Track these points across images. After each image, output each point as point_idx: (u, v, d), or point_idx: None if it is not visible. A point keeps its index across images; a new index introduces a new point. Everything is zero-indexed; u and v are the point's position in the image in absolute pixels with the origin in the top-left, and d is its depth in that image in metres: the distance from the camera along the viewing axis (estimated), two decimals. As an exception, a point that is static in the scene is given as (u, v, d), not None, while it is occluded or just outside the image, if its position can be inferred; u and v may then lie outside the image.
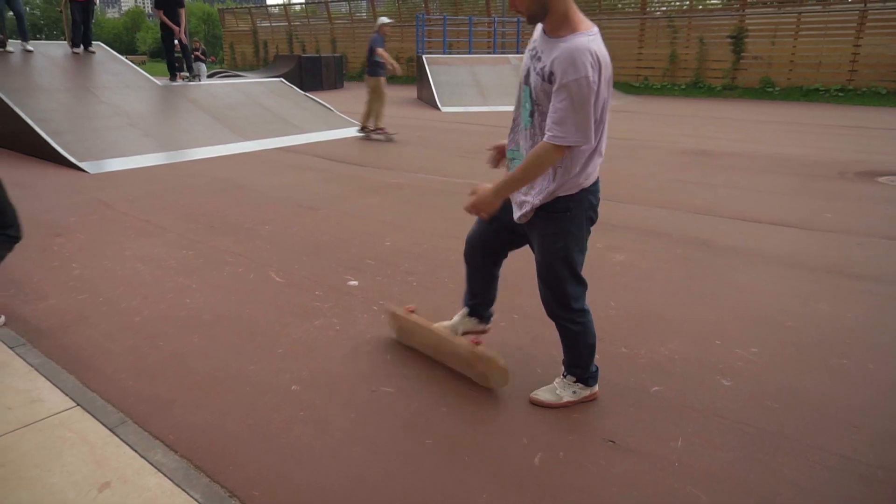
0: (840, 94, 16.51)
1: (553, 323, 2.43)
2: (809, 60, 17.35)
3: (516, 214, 2.29)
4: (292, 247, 4.43)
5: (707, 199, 5.82)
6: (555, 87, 1.96)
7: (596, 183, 2.23)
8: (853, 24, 16.62)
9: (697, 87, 18.94)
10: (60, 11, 10.20)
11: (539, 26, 2.09)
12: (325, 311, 3.32)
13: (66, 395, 2.50)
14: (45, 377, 2.63)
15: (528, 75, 2.12)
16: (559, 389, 2.48)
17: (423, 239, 4.57)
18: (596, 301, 3.45)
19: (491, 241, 2.53)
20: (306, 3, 32.53)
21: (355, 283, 3.72)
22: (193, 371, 2.72)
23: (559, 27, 2.00)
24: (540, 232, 2.25)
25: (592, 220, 2.30)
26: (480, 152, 8.53)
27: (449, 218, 5.17)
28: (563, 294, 2.32)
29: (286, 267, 3.99)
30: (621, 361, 2.81)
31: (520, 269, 3.94)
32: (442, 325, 2.77)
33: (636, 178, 6.80)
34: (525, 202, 2.24)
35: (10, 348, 2.89)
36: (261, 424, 2.33)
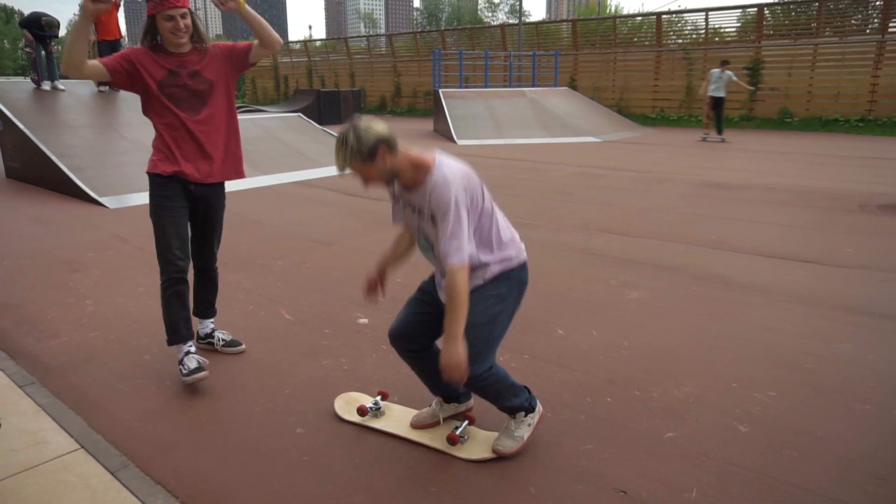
0: (860, 124, 16.36)
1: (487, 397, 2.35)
2: (828, 91, 17.25)
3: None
4: (304, 283, 4.43)
5: (724, 233, 5.74)
6: (437, 220, 2.09)
7: (525, 264, 2.33)
8: (871, 55, 16.55)
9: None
10: (89, 52, 10.44)
11: (395, 184, 2.21)
12: (333, 350, 3.30)
13: (72, 436, 2.49)
14: (51, 417, 2.63)
15: (416, 229, 2.26)
16: (516, 431, 2.39)
17: (435, 275, 4.55)
18: (609, 341, 3.40)
19: (420, 327, 2.40)
20: (326, 39, 33.28)
21: (365, 320, 3.70)
22: (199, 412, 2.70)
23: (413, 179, 2.13)
24: (477, 306, 2.18)
25: (520, 298, 2.34)
26: (495, 186, 8.50)
27: (461, 253, 5.15)
28: (483, 360, 2.21)
29: (297, 304, 3.98)
30: (634, 405, 2.73)
31: (533, 305, 3.89)
32: (420, 416, 2.59)
33: (651, 211, 6.74)
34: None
35: (20, 387, 2.90)
36: (263, 470, 2.29)
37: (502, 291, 2.24)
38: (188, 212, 2.98)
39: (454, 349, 2.06)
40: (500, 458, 2.33)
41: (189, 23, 2.76)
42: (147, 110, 2.90)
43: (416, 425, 2.54)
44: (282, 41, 2.94)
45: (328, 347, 3.34)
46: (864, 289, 4.21)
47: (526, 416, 2.41)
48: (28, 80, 9.96)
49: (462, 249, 2.07)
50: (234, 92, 3.03)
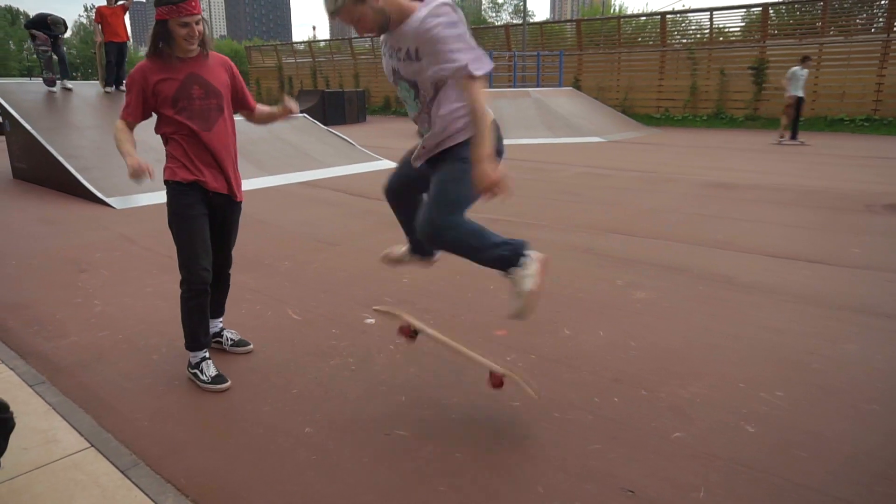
0: (865, 124, 16.32)
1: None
2: (833, 91, 17.21)
3: (421, 159, 2.39)
4: (310, 283, 4.45)
5: (730, 233, 5.73)
6: (428, 44, 2.13)
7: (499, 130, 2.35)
8: (877, 55, 16.51)
9: (719, 118, 18.88)
10: (94, 53, 10.60)
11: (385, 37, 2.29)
12: (340, 351, 3.31)
13: (82, 435, 2.51)
14: (62, 416, 2.65)
15: (395, 73, 2.30)
16: (518, 286, 2.31)
17: (442, 276, 4.55)
18: (615, 341, 3.40)
19: (413, 179, 2.53)
20: (330, 40, 33.36)
21: (372, 320, 3.71)
22: (208, 411, 2.72)
23: (400, 19, 2.18)
24: (452, 160, 2.28)
25: (500, 153, 2.37)
26: (500, 186, 8.55)
27: (467, 253, 5.16)
28: (454, 208, 2.28)
29: (304, 304, 4.00)
30: (641, 405, 2.73)
31: (539, 305, 3.90)
32: (391, 254, 2.90)
33: (656, 212, 6.74)
34: (432, 143, 2.34)
35: (30, 386, 2.92)
36: (272, 469, 2.30)
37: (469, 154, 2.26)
38: (208, 218, 2.98)
39: (483, 164, 2.13)
40: (510, 443, 2.34)
41: (202, 29, 2.78)
42: (160, 124, 2.92)
43: (387, 257, 2.89)
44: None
45: (335, 347, 3.35)
46: (871, 289, 4.21)
47: (521, 268, 2.32)
48: (40, 80, 10.00)
49: (481, 58, 2.13)
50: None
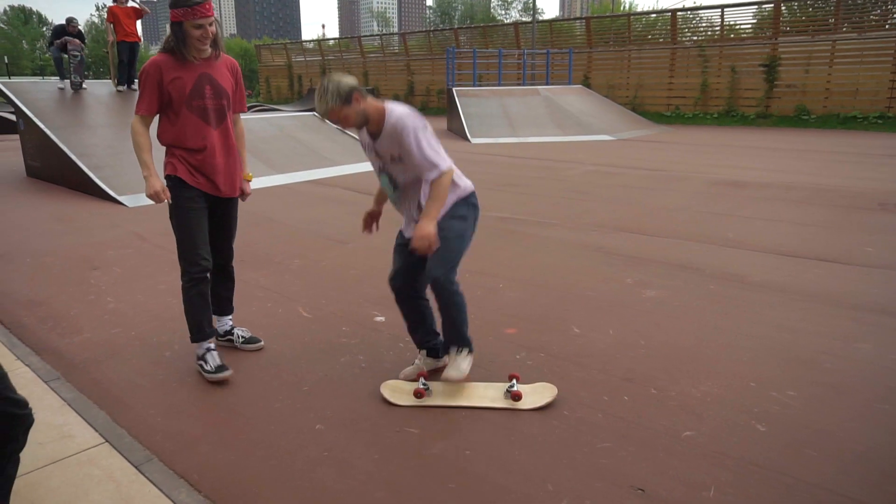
0: (879, 121, 16.16)
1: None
2: (846, 88, 17.06)
3: (410, 231, 2.74)
4: (321, 281, 4.47)
5: (741, 232, 5.70)
6: (407, 154, 2.56)
7: (474, 192, 2.82)
8: (891, 51, 16.33)
9: (730, 116, 18.76)
10: (107, 52, 10.70)
11: (364, 133, 2.67)
12: (351, 348, 3.33)
13: (96, 430, 2.54)
14: (76, 412, 2.68)
15: (382, 170, 2.72)
16: (462, 364, 2.76)
17: (451, 273, 4.56)
18: (625, 339, 3.40)
19: (413, 269, 2.80)
20: (340, 38, 33.41)
21: (382, 318, 3.72)
22: (220, 407, 2.74)
23: (376, 120, 2.58)
24: (445, 227, 2.65)
25: (476, 221, 2.84)
26: (510, 185, 8.56)
27: (478, 253, 5.13)
28: (451, 268, 2.69)
29: (314, 302, 4.02)
30: (651, 403, 2.73)
31: (549, 304, 3.90)
32: (406, 372, 2.99)
33: (667, 210, 6.71)
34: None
35: (45, 382, 2.95)
36: (284, 465, 2.32)
37: (463, 213, 2.73)
38: (207, 212, 3.03)
39: (427, 224, 2.55)
40: (519, 441, 2.35)
41: (215, 30, 2.83)
42: (166, 119, 2.93)
43: (405, 377, 2.93)
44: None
45: (346, 345, 3.37)
46: (885, 288, 4.17)
47: (467, 353, 2.80)
48: (54, 80, 10.11)
49: (444, 158, 2.59)
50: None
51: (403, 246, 2.81)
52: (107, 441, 2.47)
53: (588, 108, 17.16)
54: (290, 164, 9.44)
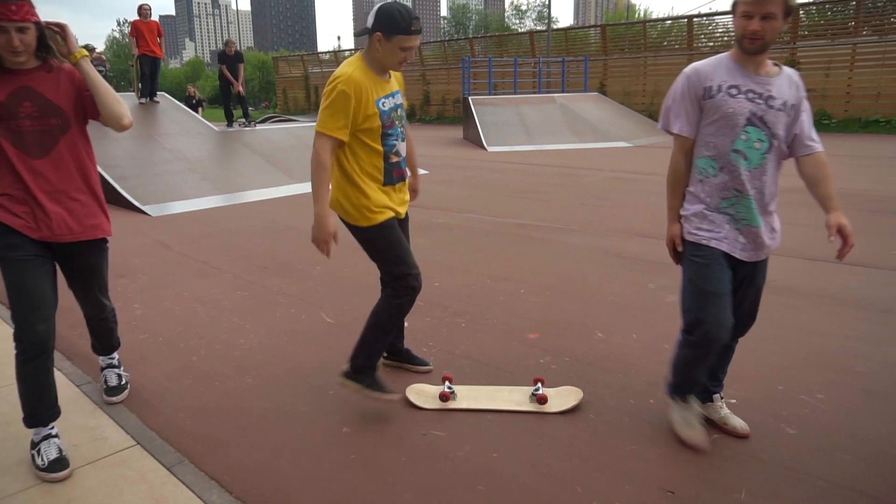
0: (902, 125, 15.92)
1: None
2: (867, 92, 16.85)
3: (762, 252, 2.38)
4: (343, 287, 4.50)
5: (763, 236, 5.64)
6: (799, 107, 2.24)
7: None
8: (913, 54, 16.12)
9: (748, 122, 18.56)
10: (132, 66, 10.93)
11: (726, 65, 2.21)
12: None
13: (128, 433, 2.58)
14: (108, 415, 2.73)
15: (757, 117, 2.19)
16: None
17: (473, 280, 4.58)
18: (649, 344, 3.38)
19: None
20: (355, 49, 33.71)
21: (406, 324, 3.73)
22: (247, 411, 2.77)
23: (767, 60, 2.20)
24: (762, 267, 2.45)
25: None
26: (528, 192, 8.56)
27: (499, 259, 5.17)
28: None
29: (337, 308, 4.05)
30: (678, 407, 2.71)
31: (571, 308, 3.90)
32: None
33: (688, 215, 6.66)
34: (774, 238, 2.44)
35: (77, 386, 3.01)
36: (313, 467, 2.34)
37: None
38: (49, 261, 2.45)
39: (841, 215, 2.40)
40: (546, 443, 2.34)
41: (29, 40, 2.22)
42: None
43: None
44: (128, 122, 2.45)
45: (370, 349, 3.38)
46: (913, 291, 4.11)
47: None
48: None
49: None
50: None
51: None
52: (138, 443, 2.51)
53: (604, 116, 17.13)
54: (309, 173, 9.50)
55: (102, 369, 2.97)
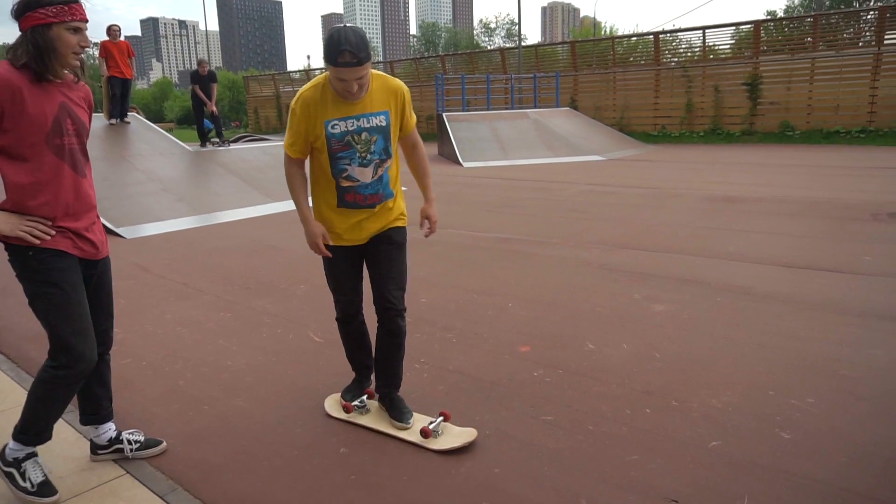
0: (861, 135, 16.49)
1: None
2: (827, 104, 17.43)
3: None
4: (329, 306, 4.41)
5: (741, 245, 5.76)
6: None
7: None
8: (868, 67, 16.76)
9: (716, 134, 19.07)
10: (100, 86, 10.75)
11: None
12: (366, 371, 3.30)
13: (116, 462, 2.49)
14: (93, 444, 2.63)
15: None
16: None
17: (459, 295, 4.57)
18: (640, 353, 3.40)
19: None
20: (326, 67, 33.72)
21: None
22: (240, 435, 2.71)
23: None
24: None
25: None
26: (506, 206, 8.62)
27: (483, 273, 5.18)
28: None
29: (324, 326, 4.00)
30: (674, 415, 2.73)
31: (559, 321, 3.91)
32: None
33: (665, 226, 6.78)
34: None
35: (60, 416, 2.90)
36: (312, 489, 2.29)
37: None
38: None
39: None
40: (547, 457, 2.33)
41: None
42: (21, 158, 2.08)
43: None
44: None
45: (361, 368, 3.34)
46: (889, 296, 4.22)
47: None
48: None
49: None
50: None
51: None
52: (128, 472, 2.43)
53: (577, 130, 17.40)
54: (286, 191, 9.38)
55: (118, 436, 2.53)
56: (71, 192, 2.19)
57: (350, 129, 2.47)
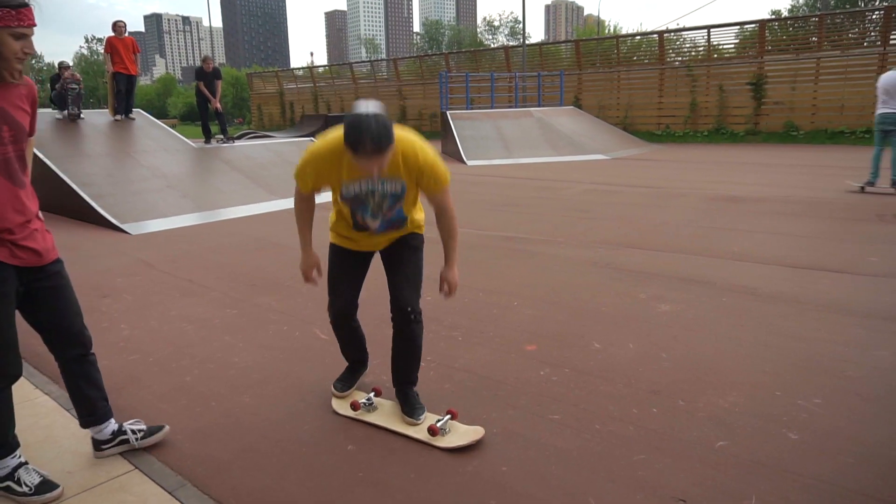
0: (866, 135, 16.41)
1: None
2: (832, 104, 17.39)
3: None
4: (334, 303, 4.45)
5: (745, 245, 5.76)
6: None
7: None
8: (874, 67, 16.70)
9: (720, 134, 19.04)
10: (105, 82, 10.78)
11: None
12: (372, 368, 3.31)
13: (125, 457, 2.50)
14: (102, 440, 2.64)
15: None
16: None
17: (463, 293, 4.56)
18: (646, 353, 3.41)
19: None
20: (330, 65, 33.74)
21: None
22: (248, 431, 2.72)
23: None
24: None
25: None
26: (511, 205, 8.62)
27: (488, 272, 5.18)
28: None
29: (329, 324, 4.00)
30: (681, 415, 2.73)
31: (565, 320, 3.91)
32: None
33: (670, 226, 6.77)
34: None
35: (67, 410, 2.92)
36: (321, 486, 2.30)
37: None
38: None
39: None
40: (555, 455, 2.34)
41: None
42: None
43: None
44: None
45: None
46: (895, 296, 4.21)
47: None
48: (49, 110, 10.16)
49: None
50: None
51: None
52: (136, 468, 2.44)
53: (581, 129, 17.37)
54: (290, 189, 9.42)
55: (121, 428, 2.52)
56: (8, 206, 2.09)
57: (363, 189, 2.51)
